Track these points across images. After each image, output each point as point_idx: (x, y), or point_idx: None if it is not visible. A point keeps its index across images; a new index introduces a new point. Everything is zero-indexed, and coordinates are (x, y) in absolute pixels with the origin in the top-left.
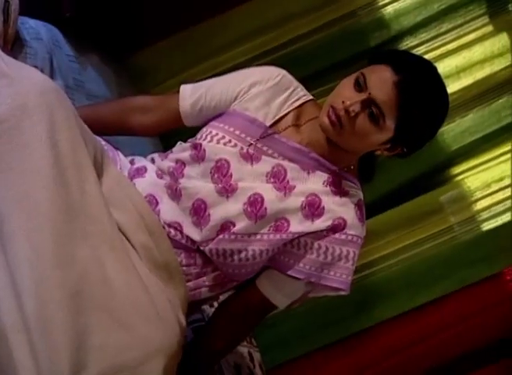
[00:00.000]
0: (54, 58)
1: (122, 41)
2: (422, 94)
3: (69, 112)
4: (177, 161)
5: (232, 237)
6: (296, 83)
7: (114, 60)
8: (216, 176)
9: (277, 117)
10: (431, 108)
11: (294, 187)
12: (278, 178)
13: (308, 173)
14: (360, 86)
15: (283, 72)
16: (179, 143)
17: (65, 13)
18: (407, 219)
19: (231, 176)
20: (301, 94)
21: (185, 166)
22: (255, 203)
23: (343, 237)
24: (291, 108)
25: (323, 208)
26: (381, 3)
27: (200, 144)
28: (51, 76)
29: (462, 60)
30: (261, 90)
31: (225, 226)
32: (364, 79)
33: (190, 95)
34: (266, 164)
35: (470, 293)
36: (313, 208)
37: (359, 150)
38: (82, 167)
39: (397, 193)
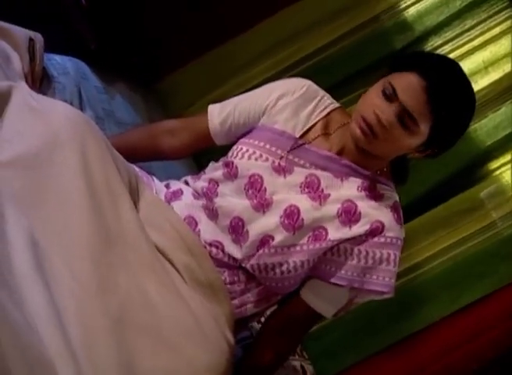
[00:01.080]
0: (82, 90)
1: (147, 67)
2: (451, 95)
3: (100, 142)
4: (210, 181)
5: (272, 250)
6: (322, 92)
7: (141, 87)
8: (250, 191)
9: (306, 128)
10: (460, 107)
11: (329, 195)
12: (312, 188)
13: (342, 179)
14: (389, 96)
15: (308, 82)
16: (211, 163)
17: (89, 46)
18: (446, 219)
19: (265, 190)
20: (328, 103)
21: (218, 185)
22: (292, 215)
23: (382, 240)
24: (319, 117)
25: (359, 213)
26: (403, 5)
27: (232, 162)
28: (81, 108)
29: (489, 55)
30: (288, 102)
31: (264, 240)
32: (393, 88)
33: (219, 114)
34: (299, 175)
35: None
36: (349, 215)
37: (391, 155)
38: (117, 195)
39: (434, 193)
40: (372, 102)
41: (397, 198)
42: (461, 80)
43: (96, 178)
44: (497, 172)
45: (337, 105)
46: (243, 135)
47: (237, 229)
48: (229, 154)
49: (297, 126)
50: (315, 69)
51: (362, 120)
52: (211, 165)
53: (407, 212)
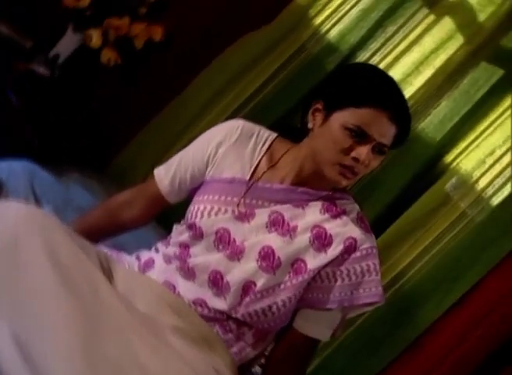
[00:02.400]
0: (35, 187)
1: (96, 150)
2: (404, 103)
3: (60, 230)
4: (180, 245)
5: (258, 295)
6: (257, 127)
7: (94, 171)
8: (221, 246)
9: (253, 167)
10: (406, 105)
11: (296, 226)
12: (278, 224)
13: (303, 207)
14: (360, 137)
15: (241, 122)
16: (174, 227)
17: (31, 143)
18: (418, 220)
19: (234, 240)
20: (266, 136)
21: (189, 247)
22: (267, 256)
23: (359, 254)
24: (262, 153)
25: (330, 235)
26: (324, 29)
27: (194, 224)
28: (38, 204)
29: (416, 55)
30: (227, 147)
31: (247, 287)
32: (361, 129)
33: (166, 174)
34: (262, 215)
35: (504, 270)
36: (321, 240)
37: None
38: (90, 277)
39: (400, 200)
40: (344, 148)
41: (358, 208)
42: (396, 83)
43: (65, 265)
44: (454, 163)
45: (275, 134)
46: (195, 190)
47: (217, 282)
48: (188, 216)
49: (244, 168)
50: (258, 109)
51: (342, 167)
52: (175, 228)
53: (380, 222)
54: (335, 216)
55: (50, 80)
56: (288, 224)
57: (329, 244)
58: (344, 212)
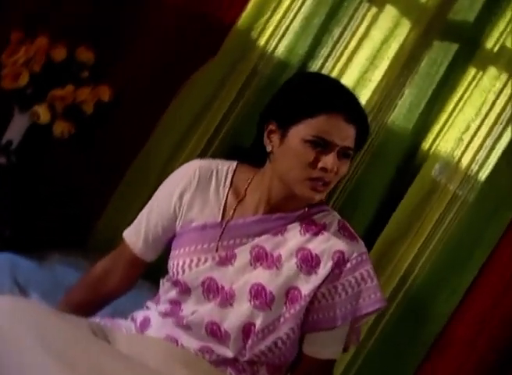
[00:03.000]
0: (18, 278)
1: (73, 226)
2: (355, 99)
3: (46, 314)
4: (170, 302)
5: (260, 335)
6: (214, 163)
7: (76, 247)
8: (211, 295)
9: (222, 207)
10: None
11: (280, 255)
12: (261, 258)
13: (282, 234)
14: (323, 146)
15: (196, 164)
16: (161, 282)
17: (4, 234)
18: (413, 212)
19: (223, 287)
20: (225, 170)
21: (180, 303)
22: (259, 293)
23: (349, 265)
24: (226, 190)
25: (316, 255)
26: (270, 48)
27: (178, 280)
28: (24, 294)
29: (368, 51)
30: (191, 195)
31: (247, 330)
32: (322, 139)
33: (136, 235)
34: (243, 254)
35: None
36: (309, 262)
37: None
38: (88, 350)
39: (389, 198)
40: (309, 161)
41: (338, 216)
42: (342, 84)
43: (58, 346)
44: (433, 148)
45: (234, 163)
46: (171, 245)
47: (215, 332)
48: (171, 273)
49: (213, 211)
50: (227, 142)
51: (312, 182)
52: (162, 284)
53: (374, 226)
54: (316, 234)
55: (7, 168)
56: (271, 255)
57: (317, 264)
58: (324, 227)
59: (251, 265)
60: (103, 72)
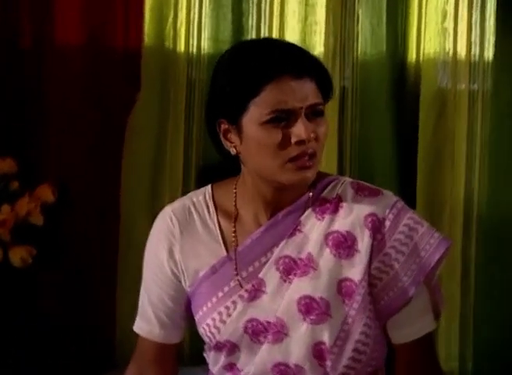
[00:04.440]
0: None
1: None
2: (297, 49)
3: None
4: (224, 369)
5: (336, 350)
6: (186, 199)
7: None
8: (261, 337)
9: (220, 237)
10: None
11: (309, 254)
12: (291, 268)
13: (299, 230)
14: (286, 117)
15: (166, 211)
16: (206, 357)
17: None
18: (438, 135)
19: (267, 322)
20: (202, 200)
21: (234, 364)
22: (309, 307)
23: (388, 223)
24: (214, 217)
25: (347, 232)
26: (194, 50)
27: (219, 342)
28: None
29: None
30: (180, 247)
31: (318, 352)
32: (280, 110)
33: (148, 323)
34: (270, 274)
35: None
36: (343, 244)
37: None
38: None
39: (404, 136)
40: (279, 142)
41: (347, 179)
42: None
43: None
44: (421, 57)
45: (208, 187)
46: (191, 313)
47: (286, 372)
48: (207, 340)
49: (213, 247)
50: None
51: (294, 162)
52: (208, 358)
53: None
54: (335, 211)
55: None
56: (301, 259)
57: (353, 241)
58: (340, 199)
59: (285, 281)
60: (32, 173)
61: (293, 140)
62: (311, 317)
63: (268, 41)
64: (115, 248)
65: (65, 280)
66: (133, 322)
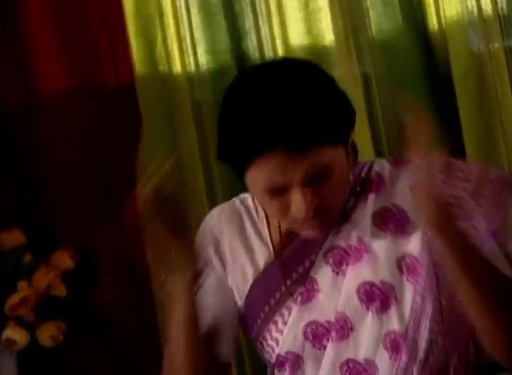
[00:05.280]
0: None
1: None
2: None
3: None
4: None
5: (411, 335)
6: (236, 200)
7: None
8: (324, 340)
9: (268, 239)
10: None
11: (358, 237)
12: (343, 257)
13: (346, 218)
14: (281, 190)
15: (215, 212)
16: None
17: None
18: (479, 104)
19: (328, 321)
20: (250, 199)
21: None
22: (370, 294)
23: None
24: (264, 220)
25: (393, 207)
26: (192, 68)
27: (280, 356)
28: None
29: None
30: (228, 242)
31: (390, 341)
32: (274, 187)
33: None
34: (321, 270)
35: None
36: (392, 220)
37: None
38: None
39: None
40: (276, 211)
41: (380, 159)
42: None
43: None
44: (443, 23)
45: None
46: (243, 328)
47: (357, 369)
48: (267, 357)
49: (263, 249)
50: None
51: (300, 224)
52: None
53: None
54: (377, 189)
55: None
56: (350, 247)
57: (403, 213)
58: (379, 176)
59: (338, 273)
60: (43, 241)
61: (291, 214)
62: (375, 305)
63: (268, 95)
64: (151, 306)
65: (103, 353)
66: None
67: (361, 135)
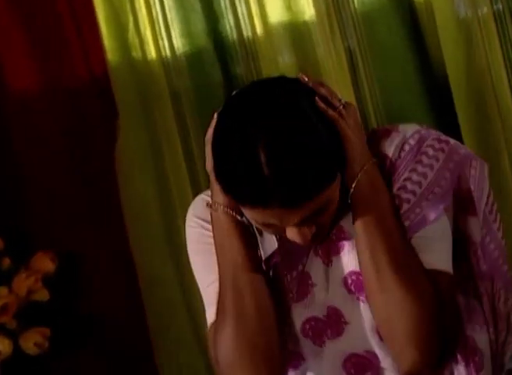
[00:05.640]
0: None
1: None
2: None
3: None
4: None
5: None
6: None
7: None
8: (323, 337)
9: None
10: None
11: (339, 226)
12: (329, 247)
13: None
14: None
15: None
16: None
17: None
18: (468, 72)
19: (325, 315)
20: None
21: None
22: (358, 284)
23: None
24: None
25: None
26: (167, 53)
27: (288, 351)
28: None
29: None
30: None
31: None
32: (268, 225)
33: None
34: (312, 264)
35: None
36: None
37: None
38: None
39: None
40: (276, 233)
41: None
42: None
43: None
44: None
45: None
46: None
47: (361, 362)
48: None
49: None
50: None
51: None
52: None
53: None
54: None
55: None
56: (333, 235)
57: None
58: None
59: (327, 265)
60: (22, 244)
61: (287, 236)
62: (365, 294)
63: (259, 153)
64: (139, 301)
65: (94, 358)
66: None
67: None
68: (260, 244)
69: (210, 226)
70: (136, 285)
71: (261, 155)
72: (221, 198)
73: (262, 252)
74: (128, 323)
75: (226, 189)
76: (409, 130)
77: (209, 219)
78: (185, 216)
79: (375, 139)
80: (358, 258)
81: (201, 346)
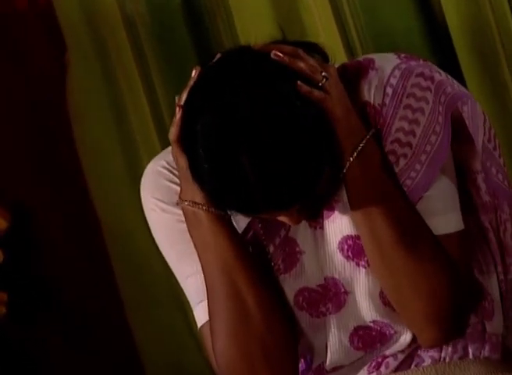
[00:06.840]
0: None
1: None
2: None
3: None
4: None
5: None
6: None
7: None
8: (321, 308)
9: None
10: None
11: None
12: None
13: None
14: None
15: (156, 163)
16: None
17: None
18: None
19: (319, 285)
20: None
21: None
22: (356, 248)
23: (386, 110)
24: None
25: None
26: None
27: None
28: None
29: None
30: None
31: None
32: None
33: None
34: (298, 230)
35: None
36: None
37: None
38: None
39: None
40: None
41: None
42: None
43: None
44: None
45: None
46: None
47: (368, 334)
48: None
49: None
50: None
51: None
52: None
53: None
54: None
55: None
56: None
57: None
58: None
59: (316, 228)
60: None
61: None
62: (366, 258)
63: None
64: (106, 260)
65: (55, 323)
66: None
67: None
68: (232, 218)
69: (174, 210)
70: (101, 238)
71: (245, 162)
72: (198, 197)
73: (237, 226)
74: (93, 281)
75: (208, 196)
76: (387, 66)
77: (171, 199)
78: (149, 160)
79: (347, 79)
80: (362, 240)
81: (176, 300)
